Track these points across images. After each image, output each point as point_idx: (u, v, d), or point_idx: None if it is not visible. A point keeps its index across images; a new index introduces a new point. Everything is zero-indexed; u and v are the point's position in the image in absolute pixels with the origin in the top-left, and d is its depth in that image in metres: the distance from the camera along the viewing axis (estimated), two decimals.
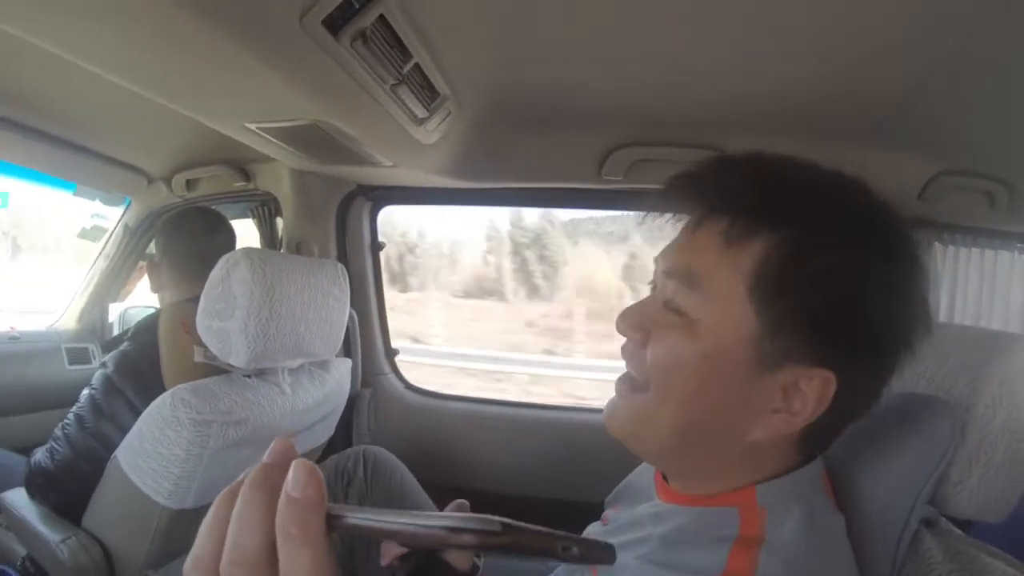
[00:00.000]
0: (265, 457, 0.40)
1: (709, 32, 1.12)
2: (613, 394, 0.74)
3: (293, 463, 0.38)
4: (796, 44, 1.13)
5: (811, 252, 0.60)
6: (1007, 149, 1.51)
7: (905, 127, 1.45)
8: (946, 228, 1.83)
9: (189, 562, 0.40)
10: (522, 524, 0.37)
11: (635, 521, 0.77)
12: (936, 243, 1.84)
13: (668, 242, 0.73)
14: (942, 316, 1.86)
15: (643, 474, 0.92)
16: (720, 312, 0.63)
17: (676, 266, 0.68)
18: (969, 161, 1.58)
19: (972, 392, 0.73)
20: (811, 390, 0.61)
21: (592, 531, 0.92)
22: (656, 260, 0.73)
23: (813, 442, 0.68)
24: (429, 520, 0.36)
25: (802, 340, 0.60)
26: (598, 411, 0.79)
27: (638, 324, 0.69)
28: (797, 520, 0.62)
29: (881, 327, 0.61)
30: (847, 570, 0.66)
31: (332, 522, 0.38)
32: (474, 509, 0.64)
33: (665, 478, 0.78)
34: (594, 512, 0.98)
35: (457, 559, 0.53)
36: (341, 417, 1.83)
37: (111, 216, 2.49)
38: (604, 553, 0.40)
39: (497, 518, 0.36)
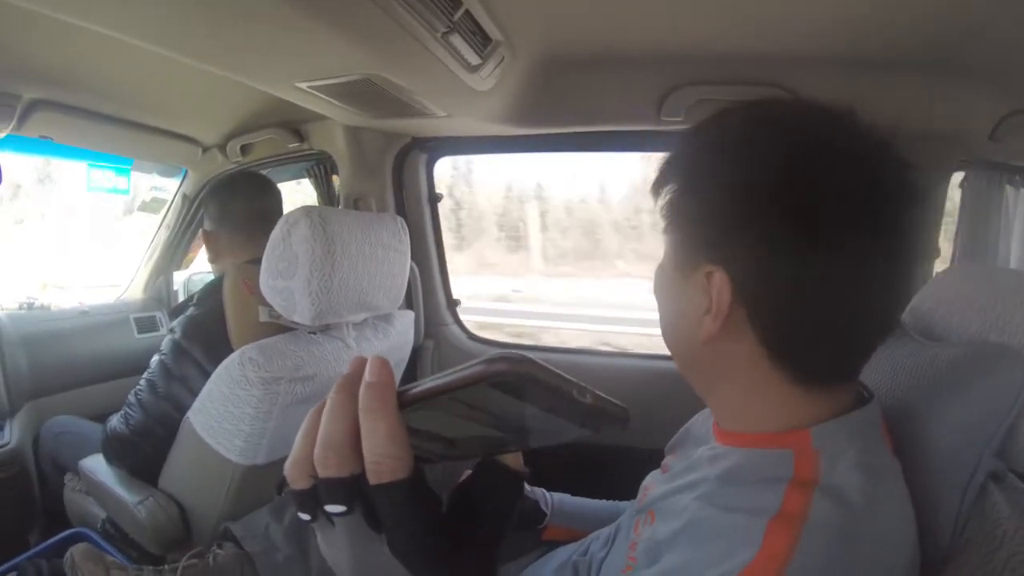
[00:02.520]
0: (349, 369, 0.51)
1: None
2: None
3: (369, 359, 0.49)
4: None
5: (685, 176, 0.73)
6: None
7: (975, 62, 1.36)
8: (1018, 171, 1.74)
9: (289, 463, 0.51)
10: (546, 364, 0.42)
11: (693, 464, 0.80)
12: (1007, 186, 1.74)
13: None
14: (1013, 262, 1.77)
15: (702, 421, 0.96)
16: (664, 244, 0.77)
17: None
18: None
19: None
20: (714, 285, 0.66)
21: (652, 478, 0.94)
22: None
23: (792, 358, 0.67)
24: (468, 366, 0.42)
25: (693, 245, 0.70)
26: (662, 358, 0.84)
27: None
28: (850, 463, 0.62)
29: (750, 216, 0.65)
30: (902, 516, 0.64)
31: (400, 397, 0.47)
32: (538, 456, 0.68)
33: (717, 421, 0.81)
34: (656, 459, 0.98)
35: (512, 461, 0.55)
36: (406, 369, 1.85)
37: (168, 187, 2.53)
38: (617, 409, 0.48)
39: (522, 354, 0.42)
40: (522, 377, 0.41)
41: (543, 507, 1.22)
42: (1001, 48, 1.29)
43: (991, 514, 0.67)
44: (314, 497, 0.50)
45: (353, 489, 0.48)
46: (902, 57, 1.39)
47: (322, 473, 0.49)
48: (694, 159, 0.74)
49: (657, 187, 0.77)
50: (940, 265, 1.70)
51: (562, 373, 0.43)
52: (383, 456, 0.47)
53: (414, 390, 0.47)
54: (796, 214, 0.62)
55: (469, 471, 0.65)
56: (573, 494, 1.28)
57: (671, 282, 0.75)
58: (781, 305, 0.66)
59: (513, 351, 0.41)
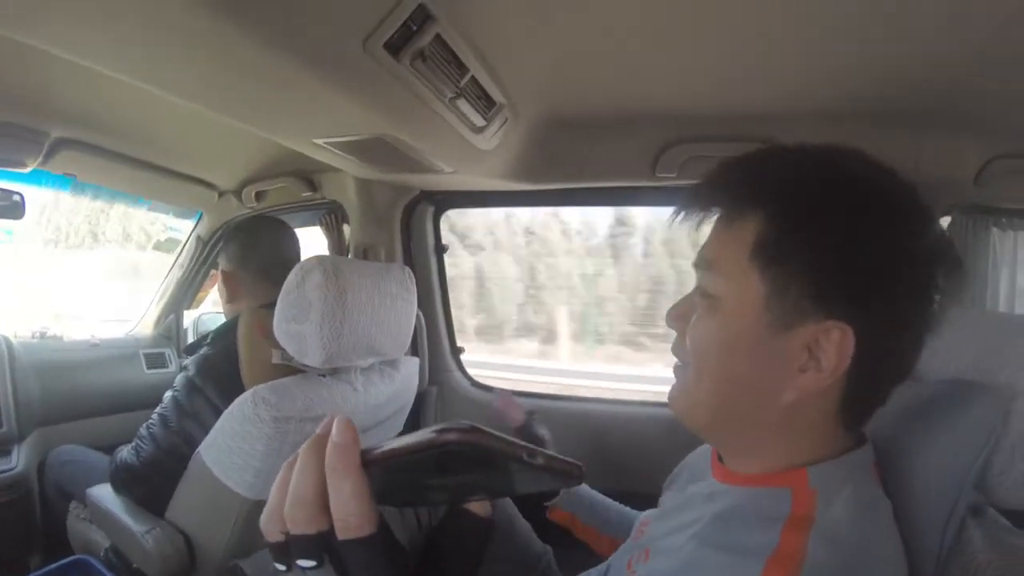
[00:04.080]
0: (319, 429, 0.52)
1: (758, 29, 1.13)
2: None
3: (335, 419, 0.51)
4: (844, 32, 1.13)
5: (793, 214, 0.66)
6: None
7: (958, 111, 1.42)
8: (1004, 213, 1.75)
9: (264, 517, 0.52)
10: (492, 431, 0.45)
11: (689, 501, 0.81)
12: (994, 228, 1.76)
13: None
14: (1001, 304, 1.81)
15: (699, 457, 0.96)
16: (732, 284, 0.69)
17: (699, 258, 0.76)
18: None
19: (1017, 380, 0.74)
20: (831, 343, 0.64)
21: (648, 515, 0.96)
22: (693, 265, 0.80)
23: (853, 409, 0.70)
24: (421, 433, 0.46)
25: (807, 296, 0.65)
26: (660, 405, 0.83)
27: (679, 315, 0.78)
28: (847, 502, 0.64)
29: (882, 272, 0.64)
30: (894, 553, 0.67)
31: (364, 456, 0.49)
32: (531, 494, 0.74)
33: (720, 459, 0.81)
34: (650, 501, 1.02)
35: (478, 508, 0.59)
36: (409, 414, 1.88)
37: (183, 228, 2.60)
38: (570, 467, 0.49)
39: (471, 423, 0.45)
40: (469, 446, 0.45)
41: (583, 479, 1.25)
42: (983, 97, 1.33)
43: (967, 547, 0.71)
44: (287, 550, 0.51)
45: (322, 544, 0.50)
46: (888, 108, 1.44)
47: (292, 530, 0.50)
48: (811, 192, 0.67)
49: (734, 205, 0.72)
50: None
51: (510, 439, 0.47)
52: (349, 513, 0.49)
53: (376, 451, 0.50)
54: (917, 285, 0.66)
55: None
56: (568, 543, 1.31)
57: (749, 336, 0.68)
58: (884, 363, 0.68)
59: (462, 421, 0.45)
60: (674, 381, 0.80)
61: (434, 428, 0.46)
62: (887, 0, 1.02)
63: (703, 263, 0.75)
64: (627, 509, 1.28)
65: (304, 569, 0.51)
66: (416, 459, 0.48)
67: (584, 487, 1.30)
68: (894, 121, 1.48)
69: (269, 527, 0.52)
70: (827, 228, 0.64)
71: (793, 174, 0.70)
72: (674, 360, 0.81)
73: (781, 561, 0.59)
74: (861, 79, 1.32)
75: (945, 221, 1.75)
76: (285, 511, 0.50)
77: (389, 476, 0.51)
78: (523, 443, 0.47)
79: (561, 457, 0.49)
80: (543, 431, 1.44)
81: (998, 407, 0.72)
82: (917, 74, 1.27)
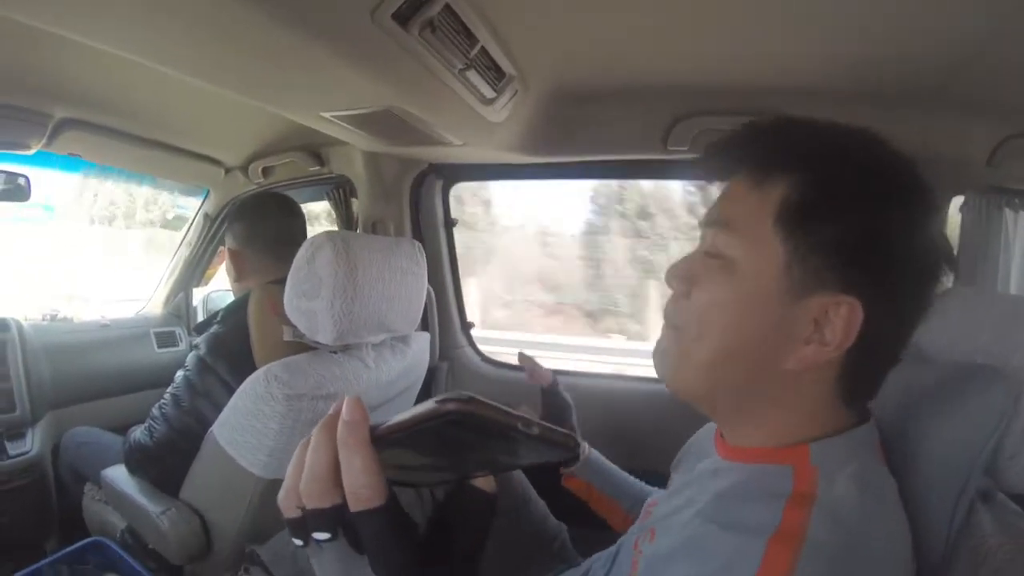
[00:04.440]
0: (331, 410, 0.55)
1: (772, 3, 1.12)
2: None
3: (345, 399, 0.54)
4: (857, 9, 1.12)
5: (827, 187, 0.67)
6: None
7: (970, 91, 1.40)
8: (1017, 194, 1.75)
9: (281, 494, 0.56)
10: (490, 401, 0.48)
11: (694, 479, 0.81)
12: (1007, 209, 1.76)
13: None
14: (1013, 285, 1.80)
15: (704, 435, 0.96)
16: (751, 246, 0.69)
17: (714, 215, 0.75)
18: None
19: None
20: (839, 318, 0.65)
21: (656, 496, 0.99)
22: (701, 223, 0.79)
23: (852, 385, 0.70)
24: (425, 404, 0.48)
25: (826, 267, 0.66)
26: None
27: (684, 275, 0.76)
28: (849, 480, 0.65)
29: (898, 256, 0.66)
30: (898, 531, 0.67)
31: (373, 433, 0.52)
32: (547, 472, 0.71)
33: (723, 436, 0.81)
34: (658, 478, 1.03)
35: (483, 484, 0.59)
36: (420, 390, 1.88)
37: (190, 206, 2.59)
38: (565, 438, 0.51)
39: (468, 394, 0.48)
40: (468, 415, 0.47)
41: (581, 452, 1.26)
42: (996, 76, 1.32)
43: (977, 531, 0.70)
44: (304, 525, 0.54)
45: (336, 517, 0.53)
46: (900, 88, 1.43)
47: (308, 504, 0.53)
48: (844, 166, 0.68)
49: (751, 167, 0.73)
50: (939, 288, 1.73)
51: (507, 408, 0.49)
52: (360, 486, 0.51)
53: (383, 426, 0.53)
54: (921, 256, 0.67)
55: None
56: (583, 521, 1.32)
57: (762, 300, 0.69)
58: (885, 341, 0.69)
59: (462, 392, 0.47)
60: (660, 341, 0.80)
61: (435, 399, 0.48)
62: None
63: (718, 222, 0.74)
64: (645, 485, 1.28)
65: (319, 542, 0.54)
66: (420, 430, 0.50)
67: (601, 458, 1.32)
68: (905, 100, 1.47)
69: (286, 503, 0.55)
70: (857, 204, 0.65)
71: (828, 144, 0.71)
72: None
73: (783, 539, 0.59)
74: (873, 57, 1.31)
75: (957, 202, 1.75)
76: (301, 487, 0.54)
77: (397, 450, 0.53)
78: (519, 413, 0.49)
79: (556, 428, 0.51)
80: (567, 397, 1.44)
81: (1010, 391, 0.71)
82: (929, 52, 1.26)
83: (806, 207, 0.67)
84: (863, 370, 0.70)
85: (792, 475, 0.67)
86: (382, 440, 0.53)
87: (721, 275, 0.71)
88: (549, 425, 0.51)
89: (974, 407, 0.74)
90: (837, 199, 0.66)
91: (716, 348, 0.71)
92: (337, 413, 0.54)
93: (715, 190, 0.79)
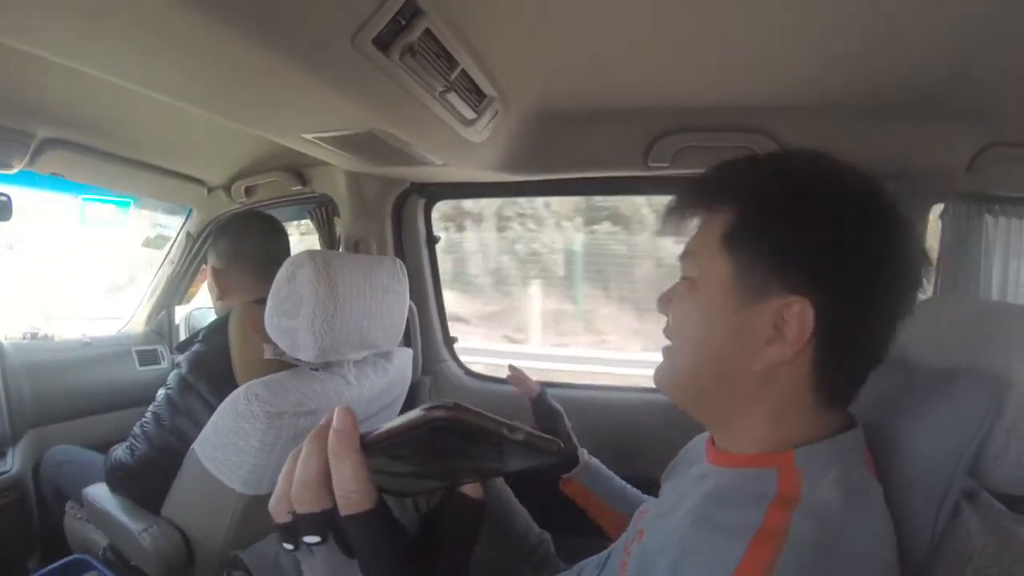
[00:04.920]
0: (322, 421, 0.57)
1: (751, 20, 1.14)
2: None
3: (336, 410, 0.55)
4: (838, 24, 1.14)
5: (759, 207, 0.75)
6: None
7: (952, 100, 1.43)
8: (997, 200, 1.78)
9: (272, 500, 0.58)
10: (475, 408, 0.49)
11: (684, 484, 0.85)
12: (986, 215, 1.79)
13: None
14: (994, 291, 1.83)
15: (697, 444, 1.00)
16: (705, 265, 0.78)
17: (683, 250, 0.85)
18: (1017, 131, 1.55)
19: (1011, 369, 0.75)
20: (793, 317, 0.70)
21: (648, 504, 0.99)
22: (678, 258, 0.88)
23: (828, 386, 0.74)
24: (413, 412, 0.49)
25: (771, 274, 0.72)
26: (657, 391, 0.86)
27: (665, 299, 0.86)
28: (832, 483, 0.67)
29: (832, 255, 0.70)
30: (882, 533, 0.68)
31: (363, 440, 0.54)
32: (531, 481, 0.86)
33: (714, 442, 0.84)
34: (652, 487, 1.03)
35: (472, 491, 0.62)
36: (404, 404, 1.89)
37: (172, 224, 2.59)
38: (548, 443, 0.53)
39: (454, 401, 0.48)
40: (455, 421, 0.48)
41: (579, 456, 1.32)
42: (977, 86, 1.35)
43: (962, 531, 0.72)
44: (294, 530, 0.56)
45: (326, 521, 0.55)
46: (882, 98, 1.46)
47: (299, 509, 0.56)
48: (772, 183, 0.76)
49: (706, 201, 0.81)
50: (921, 295, 1.75)
51: (493, 415, 0.50)
52: (350, 491, 0.53)
53: (372, 434, 0.54)
54: (874, 259, 0.70)
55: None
56: (567, 530, 1.34)
57: (720, 304, 0.76)
58: (850, 338, 0.72)
59: (448, 400, 0.48)
60: (660, 361, 0.87)
61: (422, 407, 0.49)
62: None
63: (684, 255, 0.84)
64: (642, 494, 1.31)
65: (310, 545, 0.56)
66: (408, 438, 0.51)
67: (600, 464, 1.36)
68: (888, 111, 1.50)
69: (277, 509, 0.57)
70: (783, 216, 0.73)
71: (758, 174, 0.80)
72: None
73: (765, 539, 0.61)
74: (855, 70, 1.33)
75: (938, 208, 1.77)
76: (292, 493, 0.56)
77: (386, 458, 0.55)
78: (504, 420, 0.51)
79: (540, 434, 0.53)
80: (556, 405, 1.46)
81: (992, 395, 0.73)
82: (912, 64, 1.28)
83: (743, 226, 0.75)
84: (834, 369, 0.73)
85: (776, 478, 0.69)
86: (371, 448, 0.54)
87: (687, 293, 0.81)
88: (533, 431, 0.52)
89: (958, 410, 0.76)
90: (768, 214, 0.74)
91: (692, 355, 0.80)
92: (328, 424, 0.55)
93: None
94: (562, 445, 0.56)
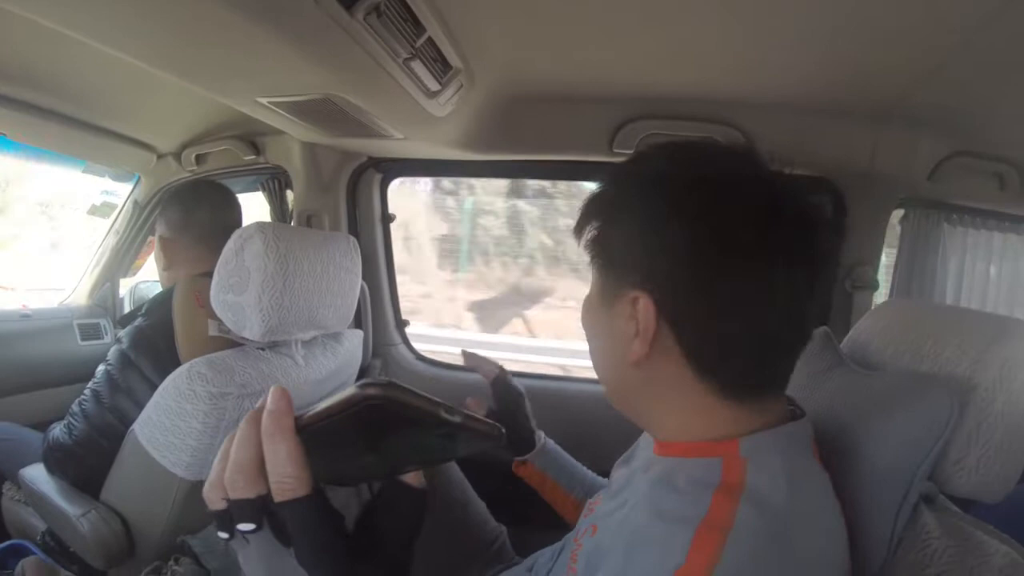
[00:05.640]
0: (257, 404, 0.56)
1: (722, 13, 1.13)
2: None
3: (270, 389, 0.56)
4: (809, 26, 1.14)
5: (602, 220, 0.80)
6: (1019, 132, 1.51)
7: (917, 108, 1.45)
8: (955, 209, 1.84)
9: (206, 486, 0.58)
10: (411, 387, 0.50)
11: (631, 476, 0.87)
12: (945, 224, 1.84)
13: None
14: (949, 296, 1.87)
15: (645, 439, 1.00)
16: (589, 279, 0.83)
17: None
18: (982, 143, 1.59)
19: (973, 374, 0.75)
20: (640, 310, 0.72)
21: (599, 495, 0.98)
22: None
23: (713, 371, 0.73)
24: (347, 391, 0.50)
25: (616, 274, 0.76)
26: None
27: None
28: (778, 470, 0.67)
29: (666, 251, 0.72)
30: (831, 524, 0.69)
31: (298, 422, 0.54)
32: (488, 473, 0.91)
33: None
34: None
35: (413, 479, 0.60)
36: None
37: (120, 192, 2.49)
38: (490, 427, 0.54)
39: (388, 379, 0.49)
40: (388, 400, 0.48)
41: (536, 440, 1.31)
42: (942, 96, 1.36)
43: (922, 534, 0.72)
44: (229, 517, 0.56)
45: (260, 508, 0.55)
46: (849, 101, 1.47)
47: (232, 495, 0.55)
48: (615, 197, 0.80)
49: (580, 227, 0.83)
50: (879, 298, 1.79)
51: (430, 396, 0.50)
52: (284, 476, 0.53)
53: (307, 415, 0.54)
54: (707, 239, 0.69)
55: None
56: (523, 522, 1.34)
57: (598, 313, 0.80)
58: (700, 323, 0.72)
59: (382, 378, 0.47)
60: None
61: (356, 384, 0.50)
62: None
63: None
64: (598, 477, 1.31)
65: (244, 533, 0.56)
66: (344, 418, 0.51)
67: (557, 447, 1.35)
68: (855, 113, 1.53)
69: (211, 495, 0.57)
70: (619, 222, 0.77)
71: (607, 191, 0.82)
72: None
73: (711, 526, 0.61)
74: (823, 70, 1.34)
75: (898, 214, 1.81)
76: (225, 478, 0.55)
77: (323, 441, 0.54)
78: (442, 401, 0.51)
79: (480, 417, 0.53)
80: (518, 385, 1.41)
81: (955, 399, 0.74)
82: (880, 71, 1.30)
83: (594, 238, 0.80)
84: (708, 356, 0.73)
85: (720, 466, 0.69)
86: (307, 430, 0.54)
87: (583, 308, 0.86)
88: (472, 414, 0.53)
89: (919, 414, 0.76)
90: (607, 223, 0.79)
91: (595, 362, 0.85)
92: (263, 407, 0.55)
93: None
94: (503, 430, 0.56)
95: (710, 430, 0.73)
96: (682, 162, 0.77)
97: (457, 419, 0.51)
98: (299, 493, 0.53)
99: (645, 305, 0.72)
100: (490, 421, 0.54)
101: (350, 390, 0.50)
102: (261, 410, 0.56)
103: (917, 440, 0.75)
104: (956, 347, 0.79)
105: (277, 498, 0.54)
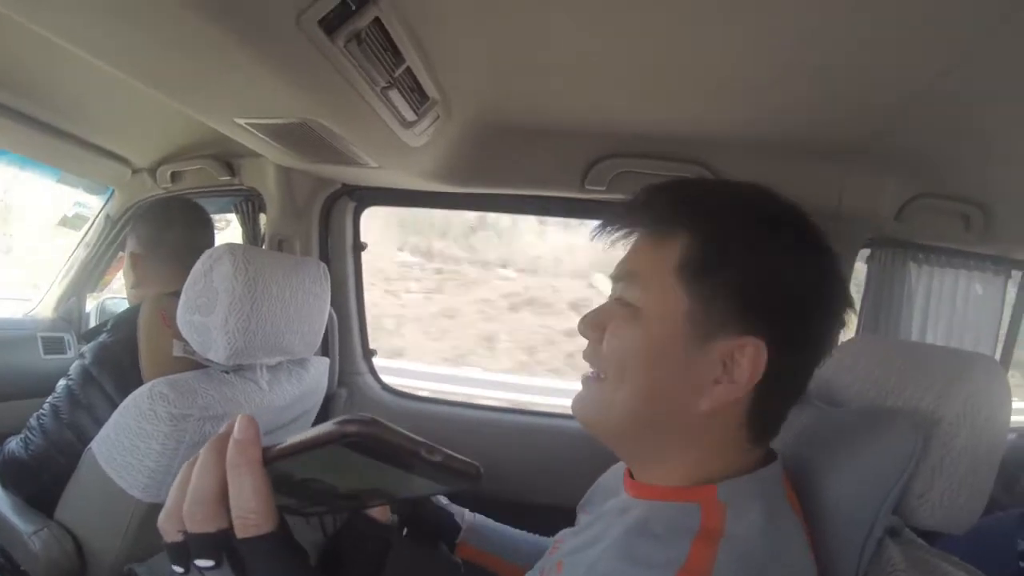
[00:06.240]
0: (222, 429, 0.54)
1: (693, 57, 1.16)
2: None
3: (237, 417, 0.53)
4: (779, 68, 1.17)
5: (719, 240, 0.71)
6: (984, 174, 1.56)
7: (884, 150, 1.49)
8: (921, 248, 1.89)
9: (162, 516, 0.54)
10: (393, 425, 0.46)
11: (602, 516, 0.82)
12: (911, 263, 1.89)
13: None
14: (914, 334, 1.91)
15: (612, 475, 0.98)
16: (656, 295, 0.73)
17: (620, 271, 0.79)
18: (948, 184, 1.62)
19: (937, 408, 0.77)
20: (745, 358, 0.68)
21: (563, 534, 0.95)
22: (612, 277, 0.82)
23: (760, 422, 0.73)
24: (324, 425, 0.47)
25: (727, 312, 0.69)
26: (570, 417, 0.83)
27: (595, 323, 0.79)
28: (756, 516, 0.66)
29: (792, 296, 0.70)
30: (802, 566, 0.69)
31: (266, 454, 0.51)
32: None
33: (632, 474, 0.82)
34: (570, 517, 1.00)
35: (379, 514, 0.59)
36: (317, 416, 1.83)
37: (93, 205, 2.47)
38: (468, 467, 0.51)
39: (370, 415, 0.46)
40: (369, 438, 0.46)
41: (458, 520, 1.21)
42: (908, 138, 1.40)
43: (887, 567, 0.74)
44: (185, 551, 0.53)
45: (221, 543, 0.51)
46: (817, 142, 1.50)
47: (190, 528, 0.52)
48: (735, 219, 0.72)
49: (646, 226, 0.77)
50: (844, 335, 1.82)
51: (410, 434, 0.48)
52: (249, 511, 0.50)
53: (277, 447, 0.51)
54: (820, 300, 0.72)
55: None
56: None
57: (669, 346, 0.71)
58: (790, 379, 0.72)
59: (363, 414, 0.45)
60: (582, 390, 0.82)
61: (336, 420, 0.46)
62: (817, 45, 1.06)
63: (625, 275, 0.78)
64: (540, 538, 1.24)
65: (202, 569, 0.52)
66: (317, 454, 0.48)
67: (488, 522, 1.27)
68: (822, 155, 1.56)
69: (167, 527, 0.54)
70: (748, 253, 0.70)
71: (719, 200, 0.76)
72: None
73: (690, 573, 0.60)
74: (792, 113, 1.37)
75: (864, 253, 1.84)
76: (184, 509, 0.52)
77: (291, 475, 0.52)
78: (423, 440, 0.48)
79: (459, 457, 0.51)
80: None
81: (919, 432, 0.75)
82: (847, 113, 1.33)
83: (702, 260, 0.70)
84: (770, 407, 0.73)
85: (700, 512, 0.68)
86: (275, 462, 0.51)
87: (630, 323, 0.74)
88: (452, 453, 0.50)
89: (883, 448, 0.77)
90: (730, 250, 0.70)
91: (636, 391, 0.73)
92: (228, 433, 0.53)
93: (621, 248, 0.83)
94: (481, 469, 0.53)
95: (698, 475, 0.73)
96: (783, 201, 0.75)
97: (437, 459, 0.49)
98: (263, 530, 0.51)
99: (756, 354, 0.67)
100: (468, 460, 0.52)
101: (328, 426, 0.47)
102: (225, 437, 0.53)
103: (882, 474, 0.76)
104: (920, 382, 0.81)
105: (239, 534, 0.51)
